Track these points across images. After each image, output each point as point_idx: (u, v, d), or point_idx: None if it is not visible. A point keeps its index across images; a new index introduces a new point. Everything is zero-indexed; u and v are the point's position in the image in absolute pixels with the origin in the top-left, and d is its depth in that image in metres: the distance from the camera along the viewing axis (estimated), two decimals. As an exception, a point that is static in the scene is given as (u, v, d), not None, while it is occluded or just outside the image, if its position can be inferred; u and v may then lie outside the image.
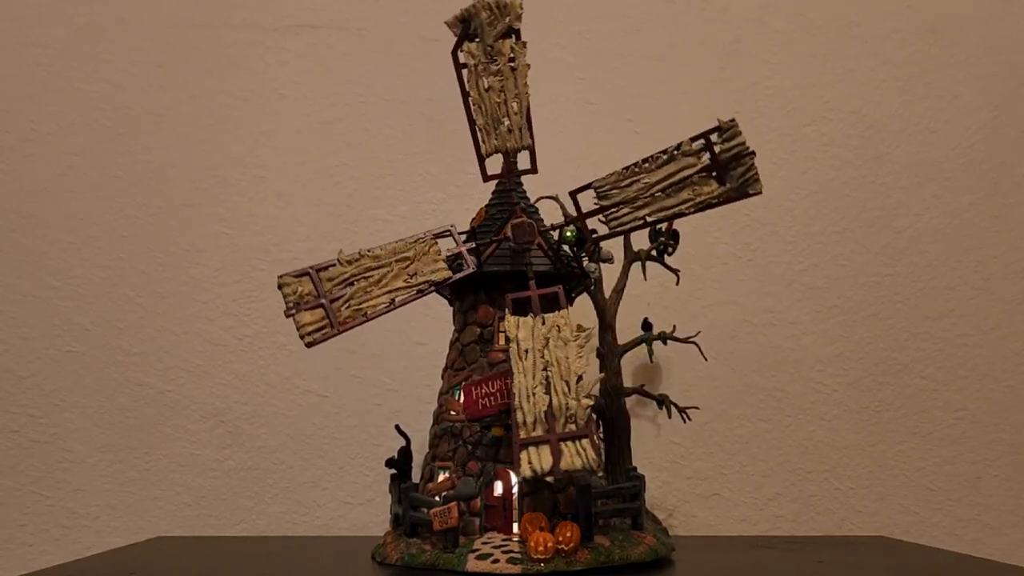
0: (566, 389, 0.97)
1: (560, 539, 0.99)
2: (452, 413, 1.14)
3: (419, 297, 1.08)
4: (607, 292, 1.33)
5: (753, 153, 1.03)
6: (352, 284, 1.06)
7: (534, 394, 0.97)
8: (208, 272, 1.60)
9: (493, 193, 1.21)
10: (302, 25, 1.67)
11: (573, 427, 0.96)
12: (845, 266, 1.63)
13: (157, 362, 1.57)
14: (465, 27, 1.06)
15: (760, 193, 1.04)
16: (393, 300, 1.06)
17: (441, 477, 1.12)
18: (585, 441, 0.95)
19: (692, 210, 1.05)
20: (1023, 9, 1.70)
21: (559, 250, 1.14)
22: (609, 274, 1.33)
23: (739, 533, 1.55)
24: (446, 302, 1.28)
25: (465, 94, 1.07)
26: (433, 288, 1.08)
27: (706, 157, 1.04)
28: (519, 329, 1.02)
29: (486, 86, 1.06)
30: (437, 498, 1.08)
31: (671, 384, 1.57)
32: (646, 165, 1.06)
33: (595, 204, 1.08)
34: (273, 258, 1.61)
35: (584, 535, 1.02)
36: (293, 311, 1.04)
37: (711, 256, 1.62)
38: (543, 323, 1.02)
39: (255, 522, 1.54)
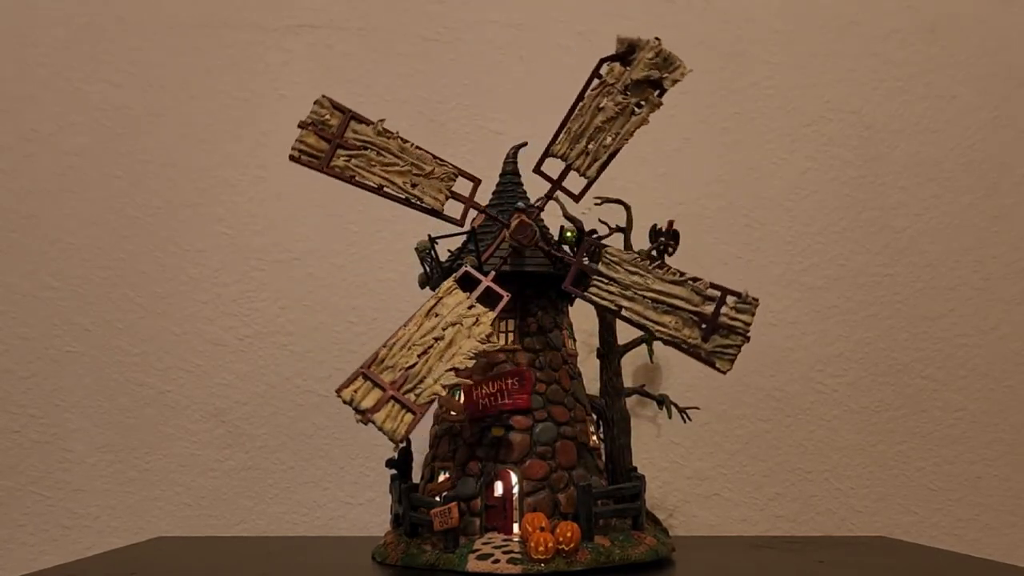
0: (436, 367, 0.98)
1: (560, 539, 0.99)
2: (452, 413, 1.14)
3: (403, 203, 1.08)
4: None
5: (748, 338, 1.03)
6: (365, 149, 1.07)
7: (409, 348, 0.99)
8: (208, 272, 1.60)
9: (494, 193, 1.21)
10: (302, 25, 1.67)
11: (412, 397, 0.97)
12: (845, 266, 1.63)
13: (157, 362, 1.57)
14: (627, 51, 1.07)
15: (724, 373, 1.04)
16: (382, 187, 1.07)
17: (441, 477, 1.12)
18: (408, 416, 0.96)
19: (661, 335, 1.04)
20: (1022, 9, 1.70)
21: (559, 250, 1.14)
22: (609, 274, 1.32)
23: (739, 533, 1.55)
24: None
25: (579, 97, 1.07)
26: (419, 206, 1.09)
27: (709, 308, 1.03)
28: (448, 296, 1.03)
29: (601, 105, 1.07)
30: (437, 498, 1.07)
31: (671, 384, 1.58)
32: (658, 271, 1.06)
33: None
34: (273, 258, 1.61)
35: (584, 535, 1.02)
36: (308, 124, 1.06)
37: (711, 256, 1.63)
38: (469, 308, 1.02)
39: (255, 522, 1.54)
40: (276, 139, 1.64)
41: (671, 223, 1.33)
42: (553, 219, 1.18)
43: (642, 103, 1.08)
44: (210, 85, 1.65)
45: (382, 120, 1.08)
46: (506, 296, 1.04)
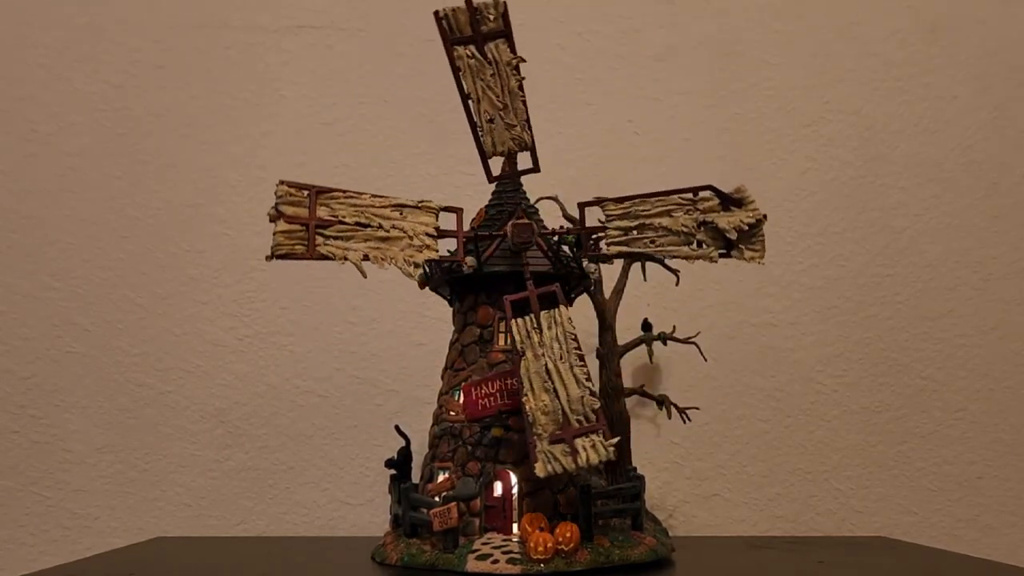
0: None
1: (560, 539, 0.99)
2: (452, 414, 1.14)
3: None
4: (607, 292, 1.34)
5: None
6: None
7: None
8: (208, 273, 1.60)
9: (493, 194, 1.21)
10: (302, 26, 1.67)
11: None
12: (844, 267, 1.63)
13: (157, 363, 1.58)
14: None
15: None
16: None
17: (441, 477, 1.12)
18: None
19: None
20: (1022, 9, 1.70)
21: (558, 250, 1.14)
22: (609, 274, 1.33)
23: (739, 533, 1.55)
24: (446, 303, 1.28)
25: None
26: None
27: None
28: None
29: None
30: (437, 498, 1.08)
31: (671, 385, 1.58)
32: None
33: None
34: (273, 259, 1.60)
35: (584, 535, 1.02)
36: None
37: (711, 256, 1.62)
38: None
39: (255, 522, 1.54)
40: (276, 139, 1.64)
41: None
42: (553, 220, 1.18)
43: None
44: (210, 86, 1.65)
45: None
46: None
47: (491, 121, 1.06)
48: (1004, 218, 1.65)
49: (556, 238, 1.14)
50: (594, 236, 1.14)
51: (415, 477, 1.21)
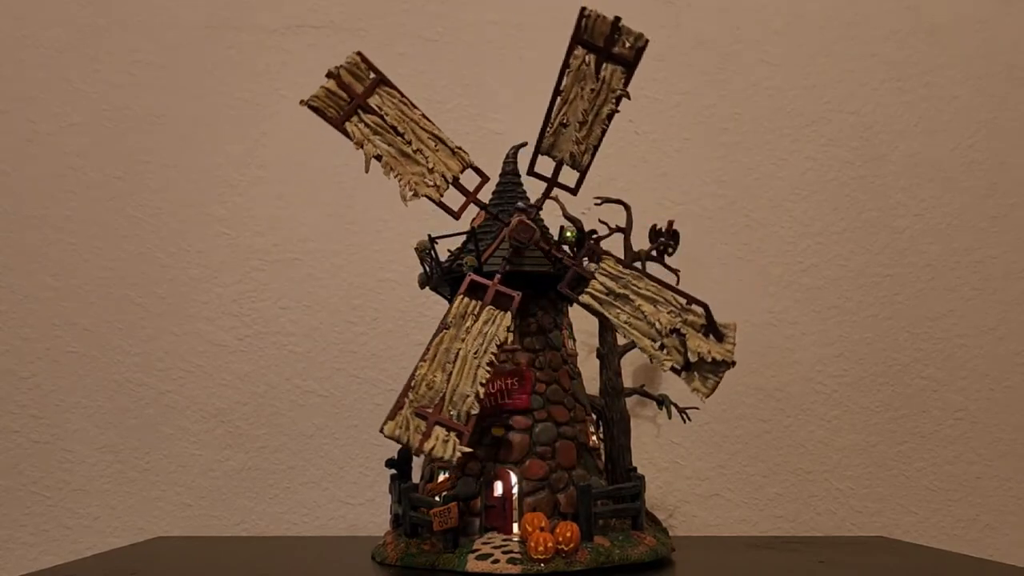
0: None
1: (560, 539, 0.99)
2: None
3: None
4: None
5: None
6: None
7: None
8: (208, 273, 1.60)
9: (494, 193, 1.21)
10: (302, 26, 1.67)
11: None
12: (845, 267, 1.63)
13: (157, 362, 1.58)
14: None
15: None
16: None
17: (441, 477, 1.12)
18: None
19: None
20: (1022, 10, 1.71)
21: (559, 250, 1.14)
22: (609, 274, 1.33)
23: (739, 533, 1.55)
24: (445, 302, 1.28)
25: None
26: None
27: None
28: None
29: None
30: (437, 498, 1.08)
31: (671, 384, 1.57)
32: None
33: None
34: (273, 259, 1.61)
35: (584, 535, 1.02)
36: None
37: (711, 257, 1.63)
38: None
39: (255, 522, 1.54)
40: (276, 139, 1.64)
41: (671, 223, 1.33)
42: (553, 219, 1.18)
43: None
44: (210, 86, 1.65)
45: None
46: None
47: (565, 125, 1.06)
48: (1004, 218, 1.65)
49: (558, 234, 1.14)
50: (593, 237, 1.15)
51: (415, 477, 1.21)
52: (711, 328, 1.02)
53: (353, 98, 1.07)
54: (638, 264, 1.34)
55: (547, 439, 1.10)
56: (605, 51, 1.05)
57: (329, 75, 1.06)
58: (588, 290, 1.04)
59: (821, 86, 1.68)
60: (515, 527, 1.06)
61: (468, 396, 0.99)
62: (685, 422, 1.39)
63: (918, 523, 1.57)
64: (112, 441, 1.55)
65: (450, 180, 1.07)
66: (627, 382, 1.37)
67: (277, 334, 1.59)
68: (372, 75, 1.07)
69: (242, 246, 1.61)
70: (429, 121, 1.07)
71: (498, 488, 1.08)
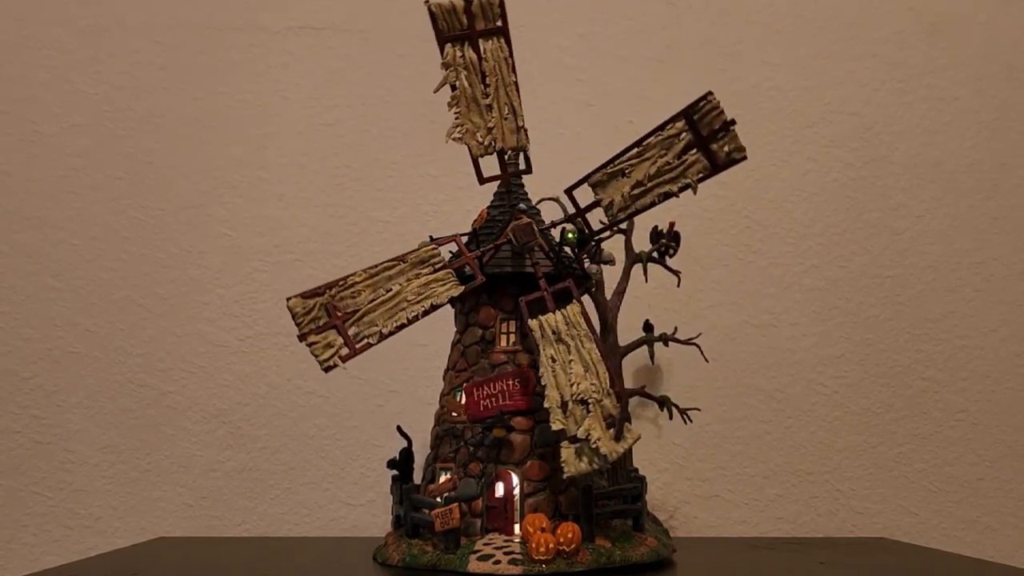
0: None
1: (561, 540, 0.99)
2: (454, 414, 1.14)
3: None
4: (608, 293, 1.34)
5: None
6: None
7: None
8: (210, 274, 1.60)
9: (495, 195, 1.21)
10: (304, 27, 1.68)
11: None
12: (846, 268, 1.64)
13: (159, 363, 1.58)
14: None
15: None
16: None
17: (442, 478, 1.13)
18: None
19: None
20: (1022, 10, 1.71)
21: (560, 251, 1.14)
22: (610, 276, 1.33)
23: (740, 534, 1.55)
24: (447, 304, 1.28)
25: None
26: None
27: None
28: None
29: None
30: (438, 499, 1.08)
31: (672, 385, 1.58)
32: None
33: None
34: (274, 260, 1.61)
35: (585, 536, 1.02)
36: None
37: (712, 258, 1.63)
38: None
39: (257, 523, 1.54)
40: (278, 141, 1.65)
41: (672, 224, 1.33)
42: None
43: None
44: (212, 87, 1.65)
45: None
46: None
47: (625, 175, 1.07)
48: (1005, 219, 1.65)
49: (558, 238, 1.14)
50: (596, 238, 1.15)
51: (417, 478, 1.22)
52: (617, 424, 0.99)
53: (470, 28, 1.04)
54: (639, 266, 1.35)
55: (548, 440, 1.10)
56: (702, 140, 1.04)
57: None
58: (542, 318, 1.04)
59: (822, 87, 1.68)
60: (516, 528, 1.06)
61: (376, 329, 1.02)
62: (686, 423, 1.39)
63: (919, 524, 1.57)
64: (114, 441, 1.56)
65: (496, 148, 1.07)
66: (628, 383, 1.37)
67: (278, 335, 1.59)
68: (499, 22, 1.05)
69: (243, 247, 1.61)
70: (517, 93, 1.06)
71: (499, 489, 1.08)
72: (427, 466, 1.18)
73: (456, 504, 1.03)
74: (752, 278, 1.63)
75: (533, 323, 1.03)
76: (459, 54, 1.05)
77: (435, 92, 1.06)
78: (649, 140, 1.07)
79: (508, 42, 1.06)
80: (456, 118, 1.06)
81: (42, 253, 1.59)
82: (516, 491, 1.07)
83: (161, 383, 1.57)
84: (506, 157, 1.10)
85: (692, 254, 1.53)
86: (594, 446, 0.97)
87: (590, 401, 0.99)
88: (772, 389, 1.60)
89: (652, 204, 1.07)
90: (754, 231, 1.64)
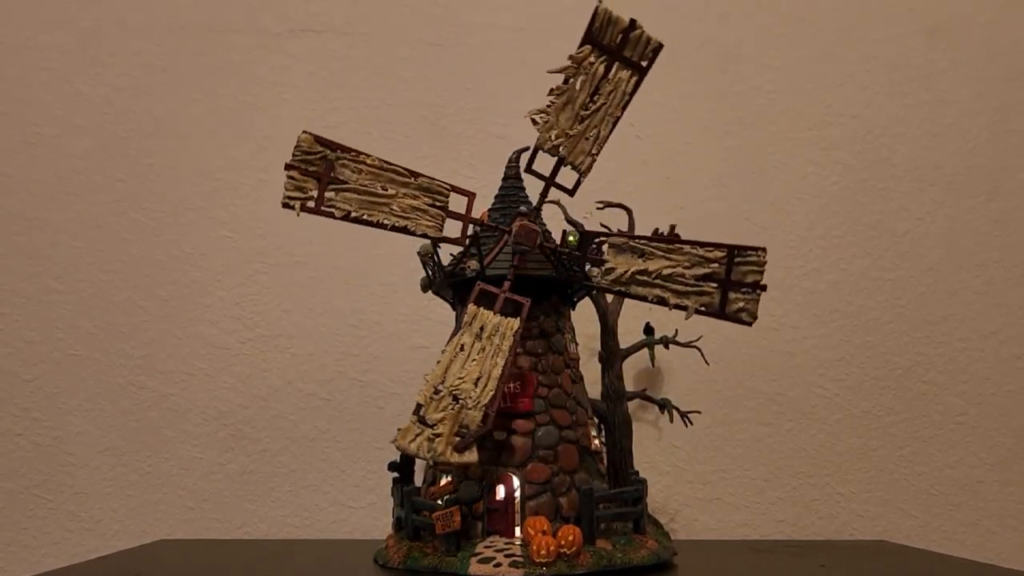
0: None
1: (562, 542, 0.99)
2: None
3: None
4: (609, 296, 1.34)
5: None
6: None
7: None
8: (211, 275, 1.60)
9: (496, 197, 1.21)
10: (305, 29, 1.68)
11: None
12: (846, 270, 1.64)
13: (160, 365, 1.58)
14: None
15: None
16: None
17: (443, 480, 1.13)
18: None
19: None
20: (1022, 13, 1.71)
21: (561, 254, 1.14)
22: (611, 278, 1.33)
23: (741, 537, 1.55)
24: (448, 305, 1.28)
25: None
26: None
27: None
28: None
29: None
30: (439, 501, 1.08)
31: (673, 388, 1.58)
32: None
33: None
34: (275, 261, 1.61)
35: (586, 539, 1.02)
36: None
37: (712, 260, 1.63)
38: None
39: (257, 525, 1.54)
40: (278, 143, 1.65)
41: (673, 227, 1.34)
42: (554, 223, 1.19)
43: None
44: (213, 89, 1.65)
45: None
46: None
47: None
48: (1005, 222, 1.65)
49: (559, 242, 1.14)
50: (596, 240, 1.15)
51: (418, 480, 1.22)
52: (467, 439, 0.99)
53: (618, 48, 1.04)
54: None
55: (549, 443, 1.10)
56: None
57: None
58: (483, 310, 1.04)
59: (822, 90, 1.68)
60: (517, 530, 1.06)
61: (347, 208, 1.02)
62: (687, 426, 1.39)
63: (919, 527, 1.57)
64: (114, 444, 1.56)
65: (561, 155, 1.06)
66: (629, 386, 1.37)
67: (279, 337, 1.59)
68: (644, 63, 1.05)
69: (244, 249, 1.61)
70: (611, 128, 1.06)
71: (500, 492, 1.08)
72: (428, 468, 1.18)
73: (457, 507, 1.03)
74: (753, 281, 1.62)
75: (471, 308, 1.04)
76: (591, 60, 1.04)
77: (551, 73, 1.04)
78: (685, 247, 1.07)
79: (639, 83, 1.05)
80: (548, 106, 1.05)
81: (43, 255, 1.59)
82: (517, 494, 1.07)
83: (162, 385, 1.57)
84: (560, 168, 1.09)
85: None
86: (431, 437, 0.98)
87: (461, 400, 0.99)
88: (773, 392, 1.60)
89: (643, 299, 1.08)
90: (754, 233, 1.64)
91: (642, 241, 1.08)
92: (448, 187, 1.07)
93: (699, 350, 1.39)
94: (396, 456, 1.23)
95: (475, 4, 1.68)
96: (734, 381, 1.60)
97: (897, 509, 1.57)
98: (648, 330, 1.41)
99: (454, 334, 1.20)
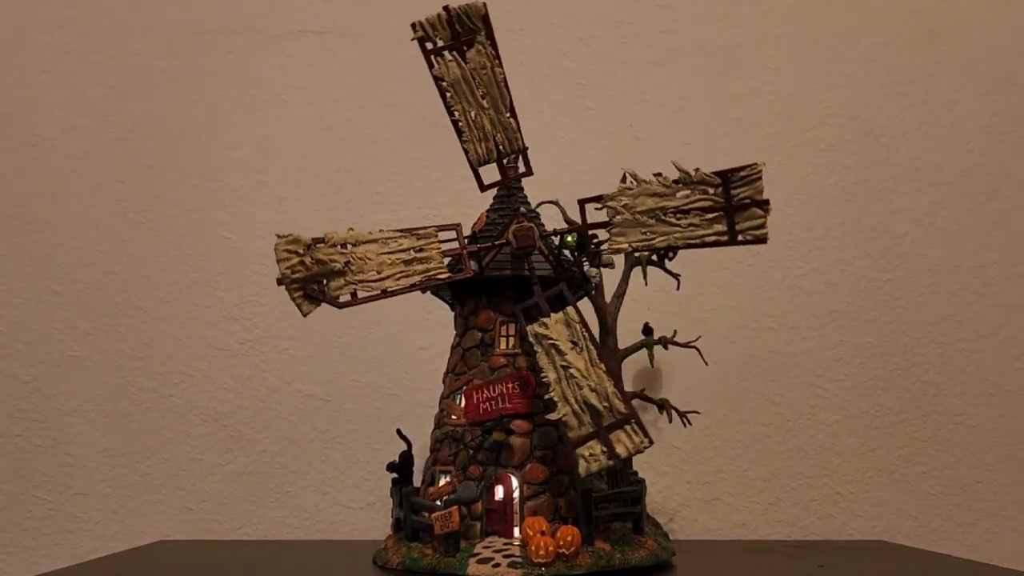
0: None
1: (561, 543, 1.00)
2: (453, 417, 1.14)
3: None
4: (608, 296, 1.34)
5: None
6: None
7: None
8: (210, 277, 1.61)
9: (495, 197, 1.21)
10: (304, 30, 1.68)
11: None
12: (845, 271, 1.64)
13: (159, 366, 1.58)
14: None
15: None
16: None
17: (442, 481, 1.13)
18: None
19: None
20: (1022, 15, 1.71)
21: (560, 255, 1.15)
22: (610, 278, 1.33)
23: (739, 537, 1.55)
24: (447, 307, 1.28)
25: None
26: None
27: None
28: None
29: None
30: (438, 502, 1.08)
31: (672, 388, 1.58)
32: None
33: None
34: (275, 263, 1.60)
35: (585, 539, 1.03)
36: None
37: (711, 261, 1.63)
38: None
39: (256, 526, 1.54)
40: (278, 144, 1.65)
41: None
42: (554, 224, 1.19)
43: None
44: (212, 90, 1.65)
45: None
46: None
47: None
48: (1004, 223, 1.66)
49: (558, 240, 1.14)
50: (596, 241, 1.15)
51: (416, 481, 1.22)
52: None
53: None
54: (638, 269, 1.35)
55: (548, 443, 1.10)
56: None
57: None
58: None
59: (821, 91, 1.68)
60: (516, 531, 1.06)
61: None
62: (686, 426, 1.39)
63: (918, 527, 1.57)
64: (113, 445, 1.56)
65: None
66: (628, 386, 1.38)
67: (278, 338, 1.59)
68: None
69: (244, 250, 1.61)
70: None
71: (499, 492, 1.08)
72: (427, 469, 1.18)
73: (456, 507, 1.03)
74: (751, 281, 1.63)
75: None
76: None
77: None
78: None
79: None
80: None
81: (42, 256, 1.59)
82: (516, 494, 1.08)
83: (161, 386, 1.57)
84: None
85: (691, 257, 1.53)
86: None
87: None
88: (771, 392, 1.60)
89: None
90: (753, 234, 1.64)
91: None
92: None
93: (698, 350, 1.39)
94: (395, 457, 1.23)
95: (474, 5, 1.68)
96: (733, 381, 1.60)
97: (896, 509, 1.57)
98: (647, 330, 1.41)
99: (456, 335, 1.21)
